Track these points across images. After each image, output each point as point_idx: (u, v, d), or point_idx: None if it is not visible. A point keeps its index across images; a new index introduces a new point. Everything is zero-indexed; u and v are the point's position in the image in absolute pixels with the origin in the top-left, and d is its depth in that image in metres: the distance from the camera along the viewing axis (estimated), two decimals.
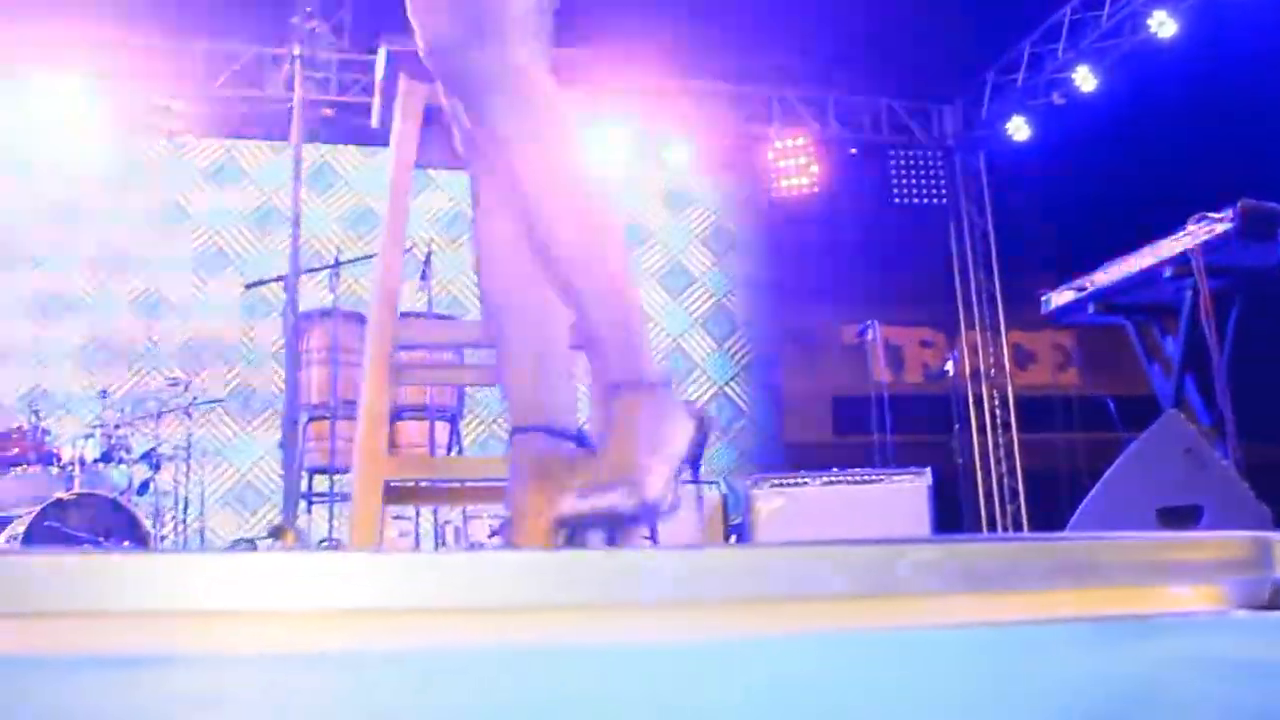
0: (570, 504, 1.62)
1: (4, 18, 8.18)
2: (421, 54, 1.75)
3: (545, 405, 1.86)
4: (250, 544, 7.37)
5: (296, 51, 3.68)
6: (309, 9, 3.48)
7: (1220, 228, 4.25)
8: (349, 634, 0.90)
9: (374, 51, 2.48)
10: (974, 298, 11.24)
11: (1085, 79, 9.92)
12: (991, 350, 11.12)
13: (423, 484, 3.38)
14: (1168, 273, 4.46)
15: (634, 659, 0.85)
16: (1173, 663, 0.87)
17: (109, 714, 0.73)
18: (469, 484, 3.12)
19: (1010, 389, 10.98)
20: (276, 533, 4.47)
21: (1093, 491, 3.53)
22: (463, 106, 1.77)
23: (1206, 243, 4.26)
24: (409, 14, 1.78)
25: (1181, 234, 4.37)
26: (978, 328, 11.15)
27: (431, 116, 2.34)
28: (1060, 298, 5.08)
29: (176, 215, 9.48)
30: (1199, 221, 4.30)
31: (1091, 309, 4.94)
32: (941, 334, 11.19)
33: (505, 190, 1.76)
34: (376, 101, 2.56)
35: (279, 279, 5.42)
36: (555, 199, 1.71)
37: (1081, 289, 4.95)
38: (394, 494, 2.82)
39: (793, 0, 9.89)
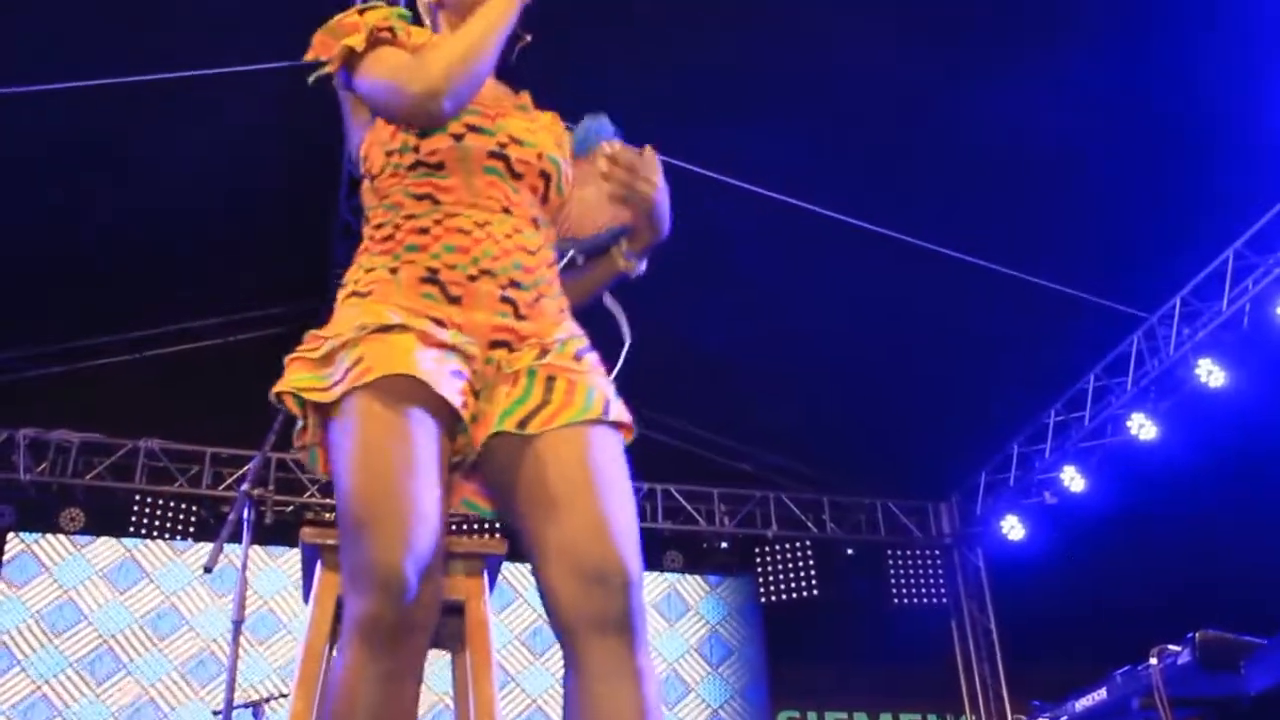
0: None
1: None
2: (618, 584, 1.79)
3: None
4: None
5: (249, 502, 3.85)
6: (255, 480, 3.66)
7: (1180, 660, 4.23)
8: None
9: None
10: (979, 694, 10.99)
11: (1073, 478, 10.06)
12: None
13: None
14: (1136, 703, 4.41)
15: None
16: None
17: None
18: None
19: None
20: None
21: None
22: (627, 639, 1.78)
23: (1167, 675, 4.24)
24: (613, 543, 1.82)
25: (1144, 665, 4.35)
26: None
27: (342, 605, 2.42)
28: None
29: (173, 620, 9.48)
30: (1160, 655, 4.29)
31: None
32: None
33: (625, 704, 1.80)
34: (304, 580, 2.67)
35: (247, 705, 5.41)
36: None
37: (1058, 718, 4.88)
38: None
39: (785, 407, 10.27)
